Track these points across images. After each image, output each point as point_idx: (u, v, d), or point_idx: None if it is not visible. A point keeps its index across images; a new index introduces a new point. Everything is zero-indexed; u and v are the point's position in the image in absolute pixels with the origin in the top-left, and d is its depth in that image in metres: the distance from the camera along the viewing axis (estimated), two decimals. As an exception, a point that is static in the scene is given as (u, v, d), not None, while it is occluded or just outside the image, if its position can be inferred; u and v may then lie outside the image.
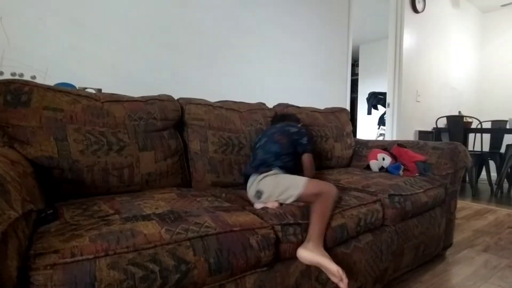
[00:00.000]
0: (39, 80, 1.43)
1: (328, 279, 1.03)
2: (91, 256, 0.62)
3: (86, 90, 1.41)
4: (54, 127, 1.06)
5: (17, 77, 1.39)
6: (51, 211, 0.80)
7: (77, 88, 1.46)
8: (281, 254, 0.92)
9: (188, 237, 0.75)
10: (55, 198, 1.01)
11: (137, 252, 0.67)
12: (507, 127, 3.66)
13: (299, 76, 2.58)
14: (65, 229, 0.72)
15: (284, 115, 1.71)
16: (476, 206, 2.94)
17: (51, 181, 1.03)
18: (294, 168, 1.32)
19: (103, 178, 1.12)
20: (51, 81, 1.44)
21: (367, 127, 5.66)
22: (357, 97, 5.98)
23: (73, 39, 1.54)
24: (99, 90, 1.54)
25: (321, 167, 1.91)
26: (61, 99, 1.12)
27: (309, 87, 2.65)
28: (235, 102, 1.70)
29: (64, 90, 1.16)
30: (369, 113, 4.82)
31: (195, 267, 0.72)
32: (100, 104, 1.21)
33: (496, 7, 4.45)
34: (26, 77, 1.42)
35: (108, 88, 1.55)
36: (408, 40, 3.41)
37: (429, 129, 3.81)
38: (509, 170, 3.50)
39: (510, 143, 3.59)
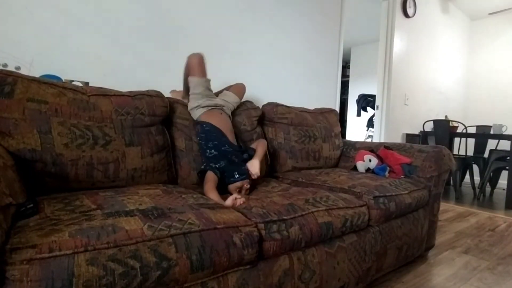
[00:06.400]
0: (24, 71, 1.39)
1: (311, 278, 1.04)
2: (69, 252, 0.61)
3: (73, 83, 1.39)
4: (38, 119, 1.04)
5: (0, 67, 1.36)
6: (31, 205, 0.79)
7: (64, 80, 1.43)
8: (265, 252, 0.92)
9: (171, 233, 0.74)
10: (37, 192, 0.99)
11: (117, 248, 0.66)
12: (491, 132, 3.75)
13: (289, 75, 2.58)
14: (44, 223, 0.70)
15: None
16: (459, 208, 3.01)
17: (33, 175, 1.01)
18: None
19: (87, 173, 1.10)
20: (36, 73, 1.41)
21: (356, 129, 5.72)
22: (347, 98, 6.04)
23: (60, 30, 1.50)
24: (87, 84, 1.52)
25: (309, 167, 1.93)
26: (46, 91, 1.09)
27: (299, 87, 2.66)
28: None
29: (49, 82, 1.14)
30: (359, 114, 4.87)
31: (177, 264, 0.71)
32: (86, 98, 1.19)
33: (484, 15, 4.55)
34: (11, 68, 1.38)
35: (96, 82, 1.53)
36: (399, 44, 3.46)
37: (417, 132, 3.88)
38: (491, 174, 3.60)
39: (493, 148, 3.69)
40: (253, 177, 1.33)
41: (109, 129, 1.18)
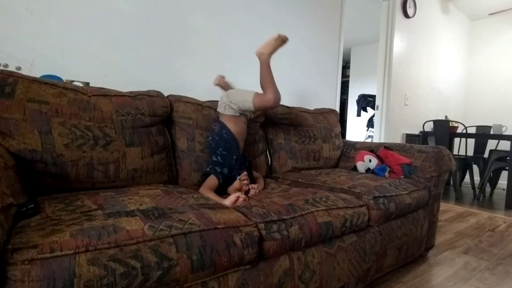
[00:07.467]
0: (24, 72, 1.39)
1: (311, 278, 1.05)
2: (70, 252, 0.61)
3: (73, 83, 1.39)
4: (39, 120, 1.04)
5: (1, 68, 1.36)
6: (32, 205, 0.79)
7: (64, 81, 1.43)
8: (265, 252, 0.93)
9: (171, 233, 0.74)
10: (38, 192, 0.99)
11: (118, 248, 0.66)
12: (491, 132, 3.75)
13: (290, 76, 2.59)
14: (45, 223, 0.71)
15: None
16: (459, 208, 3.01)
17: (34, 175, 1.01)
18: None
19: (88, 173, 1.10)
20: (37, 73, 1.41)
21: (356, 129, 5.73)
22: (347, 98, 6.05)
23: (61, 30, 1.51)
24: (87, 84, 1.52)
25: (309, 167, 1.93)
26: (46, 91, 1.10)
27: (299, 87, 2.67)
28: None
29: (50, 83, 1.14)
30: (359, 115, 4.88)
31: (178, 264, 0.72)
32: (87, 98, 1.19)
33: (484, 16, 4.55)
34: (11, 68, 1.38)
35: (96, 82, 1.53)
36: (399, 44, 3.46)
37: (416, 132, 3.88)
38: (491, 174, 3.60)
39: (493, 148, 3.69)
40: (247, 187, 1.32)
41: (110, 129, 1.18)
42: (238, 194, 1.14)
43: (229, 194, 1.21)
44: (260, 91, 1.44)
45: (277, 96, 1.36)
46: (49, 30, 1.48)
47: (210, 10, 2.04)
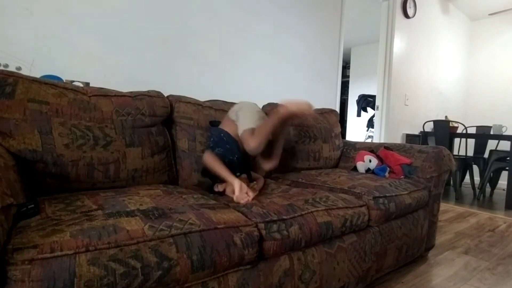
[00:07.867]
0: (24, 72, 1.40)
1: (312, 278, 1.05)
2: (71, 252, 0.61)
3: (74, 83, 1.39)
4: (39, 120, 1.04)
5: (1, 68, 1.36)
6: (32, 205, 0.79)
7: (64, 81, 1.44)
8: (265, 252, 0.93)
9: (172, 233, 0.74)
10: (38, 193, 0.99)
11: (118, 248, 0.66)
12: (491, 133, 3.75)
13: (290, 76, 2.59)
14: (45, 224, 0.71)
15: None
16: (459, 209, 3.01)
17: (34, 175, 1.01)
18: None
19: (88, 173, 1.10)
20: (37, 73, 1.42)
21: (356, 129, 5.73)
22: (347, 99, 6.05)
23: (61, 30, 1.51)
24: (87, 84, 1.52)
25: (309, 167, 1.93)
26: (47, 91, 1.10)
27: (299, 87, 2.67)
28: (225, 102, 1.70)
29: (50, 83, 1.14)
30: (359, 115, 4.88)
31: (178, 264, 0.72)
32: (87, 98, 1.19)
33: (484, 16, 4.56)
34: (11, 68, 1.39)
35: (97, 82, 1.53)
36: (399, 44, 3.46)
37: (417, 132, 3.88)
38: (491, 174, 3.60)
39: (493, 148, 3.69)
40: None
41: (110, 129, 1.18)
42: (248, 189, 1.14)
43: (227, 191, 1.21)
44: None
45: (257, 149, 1.32)
46: (49, 30, 1.48)
47: (210, 10, 2.04)
